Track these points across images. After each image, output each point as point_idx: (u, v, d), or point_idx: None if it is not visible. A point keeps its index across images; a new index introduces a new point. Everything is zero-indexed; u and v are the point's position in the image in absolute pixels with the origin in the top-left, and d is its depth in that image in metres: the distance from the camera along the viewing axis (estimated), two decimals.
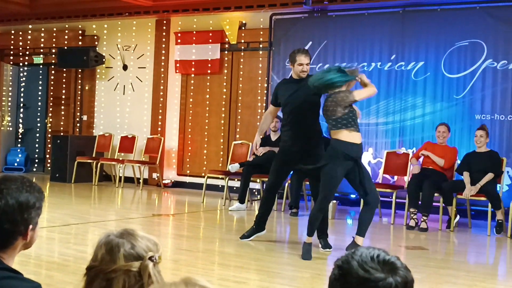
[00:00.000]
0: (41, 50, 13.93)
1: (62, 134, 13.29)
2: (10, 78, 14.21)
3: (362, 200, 6.85)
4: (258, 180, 10.12)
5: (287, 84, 6.79)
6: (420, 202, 8.36)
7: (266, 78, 11.14)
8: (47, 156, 13.82)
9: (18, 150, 14.03)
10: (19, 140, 14.50)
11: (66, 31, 13.46)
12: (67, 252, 5.95)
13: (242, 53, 11.65)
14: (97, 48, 13.06)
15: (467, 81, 9.33)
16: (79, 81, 13.37)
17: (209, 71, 11.87)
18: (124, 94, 12.86)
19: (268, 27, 11.09)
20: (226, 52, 11.77)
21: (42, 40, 13.78)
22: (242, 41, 11.59)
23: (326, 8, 10.58)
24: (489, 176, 8.11)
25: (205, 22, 11.87)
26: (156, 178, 12.16)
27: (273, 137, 9.91)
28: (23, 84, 14.48)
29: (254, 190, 10.63)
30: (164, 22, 12.30)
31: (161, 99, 12.31)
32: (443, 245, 7.63)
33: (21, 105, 14.59)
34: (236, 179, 10.36)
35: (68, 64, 12.96)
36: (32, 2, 13.04)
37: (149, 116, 12.53)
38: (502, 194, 8.30)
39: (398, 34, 9.83)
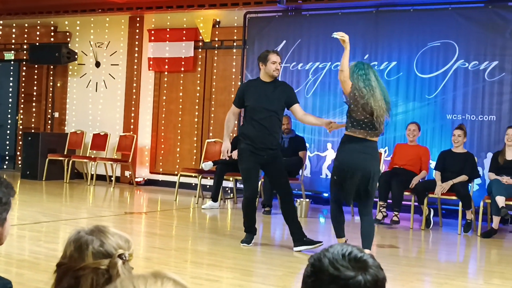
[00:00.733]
0: (12, 46, 13.77)
1: (33, 131, 13.14)
2: None
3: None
4: (231, 179, 10.11)
5: (256, 87, 6.62)
6: (390, 201, 8.44)
7: (240, 77, 11.13)
8: (18, 153, 13.66)
9: None
10: None
11: (38, 27, 13.32)
12: (38, 250, 5.89)
13: (216, 51, 11.63)
14: (69, 45, 12.94)
15: (439, 81, 9.42)
16: (51, 78, 13.23)
17: (182, 69, 11.82)
18: (96, 91, 12.76)
19: (242, 26, 11.08)
20: (200, 50, 11.74)
21: (13, 36, 13.62)
22: (216, 39, 11.57)
23: (300, 7, 10.60)
24: (463, 177, 8.19)
25: (179, 20, 11.82)
26: (129, 176, 12.09)
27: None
28: None
29: (227, 189, 10.62)
30: (138, 19, 12.23)
31: (134, 97, 12.23)
32: (414, 244, 7.70)
33: None
34: (209, 177, 10.35)
35: (40, 60, 12.82)
36: None
37: (121, 114, 12.44)
38: (472, 193, 8.40)
39: (372, 34, 9.89)
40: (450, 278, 5.61)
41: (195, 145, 11.72)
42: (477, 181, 8.74)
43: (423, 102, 9.51)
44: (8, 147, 14.21)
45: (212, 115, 11.62)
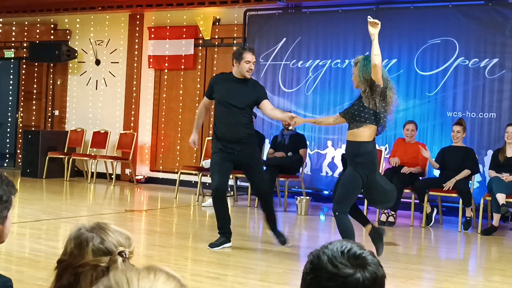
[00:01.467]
0: (12, 44, 13.76)
1: (33, 129, 13.14)
2: None
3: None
4: (231, 176, 10.10)
5: (226, 81, 6.48)
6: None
7: None
8: (18, 151, 13.66)
9: None
10: None
11: (38, 25, 13.31)
12: (38, 248, 5.90)
13: (216, 49, 11.62)
14: (69, 42, 12.93)
15: (439, 78, 9.42)
16: (51, 76, 13.22)
17: (182, 67, 11.82)
18: (96, 89, 12.76)
19: (242, 23, 11.07)
20: (200, 47, 11.73)
21: (13, 33, 13.61)
22: (216, 36, 11.56)
23: (301, 5, 10.60)
24: (466, 172, 8.18)
25: (179, 17, 11.81)
26: (129, 174, 12.09)
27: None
28: None
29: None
30: (138, 16, 12.22)
31: (134, 95, 12.23)
32: (414, 241, 7.70)
33: None
34: (209, 175, 10.33)
35: (40, 58, 12.82)
36: None
37: (122, 112, 12.44)
38: (473, 190, 8.40)
39: None
40: (450, 276, 5.61)
41: None
42: (477, 178, 8.73)
43: (423, 99, 9.51)
44: (8, 145, 14.21)
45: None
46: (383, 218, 8.36)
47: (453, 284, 5.35)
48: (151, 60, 12.10)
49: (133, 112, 12.26)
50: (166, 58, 11.92)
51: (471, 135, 9.02)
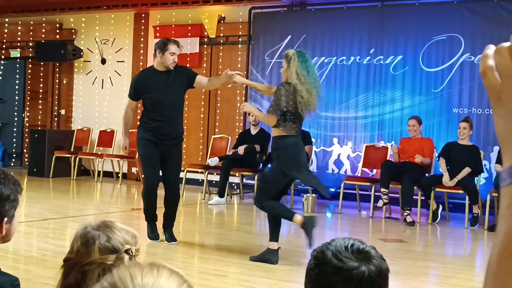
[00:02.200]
0: (18, 44, 13.79)
1: (39, 128, 13.17)
2: None
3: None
4: (237, 174, 10.12)
5: (150, 78, 6.31)
6: (400, 197, 8.41)
7: (245, 72, 11.12)
8: (25, 150, 13.70)
9: None
10: None
11: (44, 24, 13.34)
12: (46, 247, 5.92)
13: (221, 47, 11.63)
14: (75, 42, 12.96)
15: (445, 75, 9.40)
16: (57, 75, 13.25)
17: (188, 65, 11.78)
18: (102, 88, 12.78)
19: (247, 21, 11.07)
20: (205, 46, 11.74)
21: (19, 33, 13.64)
22: (221, 35, 11.57)
23: (305, 2, 10.59)
24: (466, 170, 8.16)
25: (184, 16, 11.82)
26: (136, 173, 12.11)
27: (253, 131, 9.92)
28: (0, 78, 14.33)
29: (233, 184, 10.63)
30: (143, 15, 12.24)
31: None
32: (421, 238, 7.70)
33: None
34: (215, 173, 10.36)
35: (46, 57, 12.84)
36: None
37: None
38: (479, 187, 8.38)
39: (377, 28, 9.87)
40: (457, 272, 5.61)
41: (201, 141, 11.73)
42: (484, 174, 8.72)
43: (429, 96, 9.49)
44: (15, 145, 14.25)
45: (218, 111, 11.62)
46: (380, 204, 8.34)
47: (459, 280, 5.34)
48: None
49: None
50: None
51: (477, 132, 9.00)
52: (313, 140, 9.84)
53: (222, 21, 11.56)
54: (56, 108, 13.22)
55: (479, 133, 9.06)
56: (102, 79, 12.77)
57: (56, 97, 13.19)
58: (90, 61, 12.92)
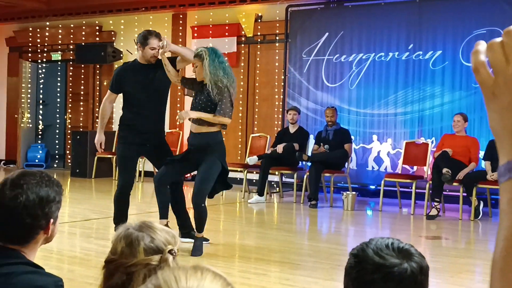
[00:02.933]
0: (59, 47, 14.02)
1: (81, 130, 13.37)
2: (29, 75, 14.32)
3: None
4: (276, 173, 10.13)
5: (133, 70, 6.17)
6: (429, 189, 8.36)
7: (283, 71, 11.14)
8: (67, 152, 13.93)
9: (39, 147, 14.15)
10: (39, 136, 14.62)
11: (84, 27, 13.54)
12: (89, 247, 6.01)
13: (259, 46, 11.65)
14: (114, 44, 13.12)
15: None
16: (97, 77, 13.44)
17: None
18: None
19: (284, 19, 11.07)
20: (242, 45, 11.78)
21: (60, 36, 13.87)
22: (259, 33, 11.59)
23: None
24: None
25: (221, 16, 11.87)
26: None
27: (292, 130, 9.91)
28: (42, 81, 14.59)
29: (273, 183, 10.64)
30: (181, 16, 12.33)
31: (179, 93, 12.34)
32: (463, 235, 7.60)
33: (40, 101, 14.71)
34: (254, 172, 10.38)
35: (86, 60, 13.03)
36: None
37: (167, 110, 12.54)
38: None
39: (415, 23, 9.77)
40: None
41: (240, 140, 11.77)
42: None
43: (470, 91, 9.36)
44: (57, 146, 14.50)
45: (256, 110, 11.65)
46: (434, 212, 8.24)
47: None
48: None
49: (178, 111, 12.36)
50: None
51: None
52: (352, 137, 9.79)
53: (259, 20, 11.58)
54: (97, 109, 13.40)
55: None
56: None
57: (97, 98, 13.38)
58: None
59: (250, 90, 11.71)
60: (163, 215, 5.99)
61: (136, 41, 6.25)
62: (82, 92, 13.82)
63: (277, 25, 11.30)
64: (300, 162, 9.79)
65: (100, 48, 12.69)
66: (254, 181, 10.59)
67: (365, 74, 10.18)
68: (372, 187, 10.05)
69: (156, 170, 6.62)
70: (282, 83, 11.14)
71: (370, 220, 8.57)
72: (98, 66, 13.27)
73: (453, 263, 5.73)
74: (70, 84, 14.14)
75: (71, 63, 13.97)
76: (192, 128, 5.93)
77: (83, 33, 13.54)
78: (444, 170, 8.10)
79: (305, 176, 9.50)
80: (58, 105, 14.76)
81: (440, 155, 8.41)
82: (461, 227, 7.91)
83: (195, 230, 5.94)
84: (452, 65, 9.50)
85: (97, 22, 13.43)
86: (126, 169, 6.16)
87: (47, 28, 13.98)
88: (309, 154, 9.65)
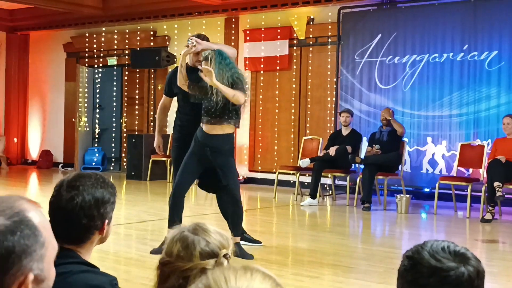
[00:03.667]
0: (115, 52, 14.29)
1: (136, 133, 13.59)
2: (86, 80, 14.63)
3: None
4: (329, 175, 10.09)
5: (187, 73, 6.10)
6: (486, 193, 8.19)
7: (335, 73, 11.09)
8: (123, 155, 14.17)
9: (95, 150, 14.44)
10: (96, 140, 14.91)
11: (138, 32, 13.76)
12: (144, 248, 6.10)
13: (311, 48, 11.64)
14: (168, 48, 13.29)
15: None
16: (152, 81, 13.65)
17: (278, 67, 11.90)
18: None
19: (337, 21, 11.03)
20: (294, 47, 11.79)
21: (115, 41, 14.13)
22: (311, 36, 11.57)
23: (395, 0, 10.45)
24: None
25: (273, 19, 11.91)
26: None
27: (344, 132, 9.87)
28: (98, 85, 14.89)
29: (325, 185, 10.61)
30: (233, 20, 12.41)
31: None
32: None
33: (97, 105, 15.01)
34: (307, 175, 10.37)
35: (141, 64, 13.22)
36: (105, 5, 13.39)
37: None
38: None
39: (470, 23, 9.61)
40: None
41: (292, 142, 11.78)
42: None
43: None
44: (113, 149, 14.76)
45: (309, 112, 11.64)
46: (488, 216, 8.09)
47: None
48: (247, 62, 12.26)
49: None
50: (262, 60, 12.05)
51: None
52: (405, 139, 9.69)
53: (311, 22, 11.57)
54: (152, 113, 13.60)
55: None
56: None
57: (152, 102, 13.58)
58: None
59: (302, 93, 11.71)
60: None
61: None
62: (137, 96, 14.05)
63: (329, 27, 11.27)
64: (353, 164, 9.74)
65: (154, 53, 12.86)
66: (306, 183, 10.57)
67: (419, 76, 10.06)
68: (427, 189, 9.91)
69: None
70: (335, 86, 11.10)
71: (424, 223, 8.46)
72: (152, 70, 13.47)
73: (510, 267, 5.61)
74: (126, 88, 14.39)
75: (126, 67, 14.21)
76: (206, 128, 5.80)
77: (138, 38, 13.76)
78: (496, 185, 7.93)
79: (358, 179, 9.44)
80: (114, 109, 15.02)
81: (493, 162, 8.24)
82: None
83: (232, 233, 5.75)
84: (509, 66, 9.30)
85: (151, 27, 13.63)
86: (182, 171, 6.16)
87: (103, 34, 14.25)
88: (362, 156, 9.59)
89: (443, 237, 7.37)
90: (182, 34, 13.16)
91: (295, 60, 11.80)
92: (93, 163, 14.25)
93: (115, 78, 14.73)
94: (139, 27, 13.73)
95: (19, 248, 1.16)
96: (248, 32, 12.25)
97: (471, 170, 9.37)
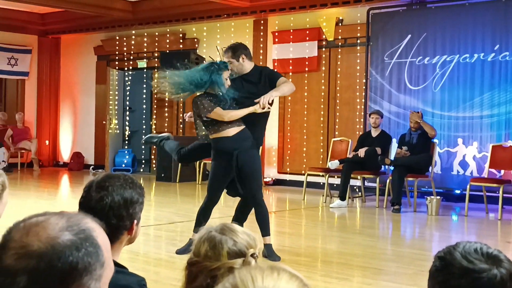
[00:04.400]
0: (144, 54, 14.39)
1: None
2: (116, 82, 14.76)
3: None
4: (358, 177, 10.04)
5: (239, 81, 6.15)
6: None
7: (364, 74, 11.04)
8: (153, 157, 14.27)
9: (126, 152, 14.56)
10: (126, 142, 15.03)
11: (168, 35, 13.84)
12: (174, 249, 6.13)
13: (340, 50, 11.60)
14: (197, 50, 13.35)
15: None
16: None
17: (307, 69, 11.88)
18: None
19: (366, 22, 10.98)
20: (323, 49, 11.75)
21: (145, 44, 14.24)
22: (339, 37, 11.53)
23: (425, 0, 10.37)
24: None
25: (302, 20, 11.89)
26: None
27: (374, 133, 9.82)
28: (128, 88, 15.01)
29: (355, 187, 10.56)
30: (262, 22, 12.42)
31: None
32: None
33: (127, 108, 15.13)
34: (336, 176, 10.33)
35: (170, 67, 13.26)
36: (134, 8, 13.51)
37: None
38: None
39: (501, 23, 9.49)
40: None
41: (321, 144, 11.75)
42: None
43: None
44: (143, 152, 14.87)
45: (338, 114, 11.60)
46: None
47: None
48: (275, 64, 12.26)
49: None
50: (290, 61, 12.04)
51: None
52: (436, 141, 9.60)
53: (340, 24, 11.53)
54: (181, 115, 13.67)
55: None
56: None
57: (181, 104, 13.64)
58: None
59: (331, 94, 11.67)
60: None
61: (240, 54, 6.39)
62: (166, 99, 14.11)
63: (358, 28, 11.22)
64: (382, 166, 9.68)
65: (183, 55, 12.91)
66: (335, 185, 10.54)
67: (449, 76, 9.97)
68: (457, 191, 9.81)
69: None
70: (364, 87, 11.05)
71: (455, 225, 8.37)
72: None
73: None
74: (155, 90, 14.45)
75: (156, 70, 14.30)
76: (231, 132, 5.79)
77: (167, 40, 13.85)
78: None
79: (387, 181, 9.38)
80: (144, 111, 15.14)
81: None
82: None
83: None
84: None
85: (180, 29, 13.71)
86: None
87: (133, 37, 14.37)
88: (392, 158, 9.53)
89: (474, 239, 7.27)
90: (211, 36, 13.22)
91: (324, 62, 11.77)
92: (123, 165, 14.36)
93: (144, 80, 14.84)
94: (168, 30, 13.82)
95: (82, 265, 1.17)
96: (276, 33, 12.25)
97: (502, 171, 9.25)
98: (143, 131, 15.01)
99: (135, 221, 2.18)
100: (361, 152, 9.50)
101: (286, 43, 12.08)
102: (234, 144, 5.74)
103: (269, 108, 5.71)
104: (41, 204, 9.22)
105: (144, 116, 15.14)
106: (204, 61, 12.87)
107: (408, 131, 9.55)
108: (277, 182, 12.25)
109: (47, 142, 15.76)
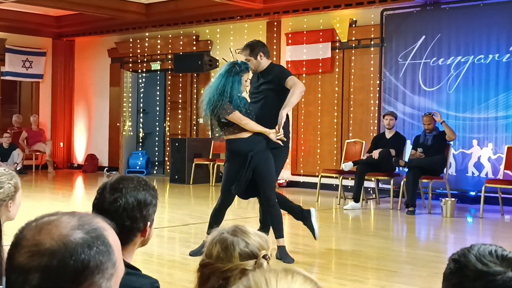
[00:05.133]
0: (158, 57, 14.43)
1: (180, 137, 13.69)
2: (130, 84, 14.81)
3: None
4: (372, 179, 10.01)
5: (255, 76, 6.29)
6: None
7: (378, 75, 11.00)
8: (166, 159, 14.30)
9: (139, 154, 14.59)
10: (140, 144, 15.07)
11: (181, 37, 13.88)
12: (187, 251, 6.13)
13: (353, 51, 11.56)
14: (210, 52, 13.37)
15: None
16: (195, 85, 13.74)
17: (320, 70, 11.86)
18: None
19: (379, 23, 10.94)
20: (337, 50, 11.72)
21: (159, 46, 14.28)
22: (353, 38, 11.51)
23: (439, 1, 10.32)
24: None
25: (315, 22, 11.87)
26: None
27: (388, 135, 9.78)
28: (142, 90, 15.05)
29: (369, 189, 10.52)
30: (275, 23, 12.42)
31: None
32: None
33: (141, 110, 15.18)
34: (350, 178, 10.30)
35: (184, 69, 13.34)
36: (148, 10, 13.55)
37: None
38: None
39: None
40: None
41: (335, 145, 11.72)
42: None
43: None
44: (157, 153, 14.91)
45: (351, 115, 11.56)
46: None
47: None
48: (289, 65, 12.23)
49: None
50: (304, 63, 12.02)
51: None
52: (451, 142, 9.54)
53: (353, 25, 11.50)
54: (194, 117, 13.69)
55: None
56: None
57: (195, 106, 13.66)
58: None
59: (344, 96, 11.64)
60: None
61: (259, 51, 6.36)
62: (180, 101, 14.16)
63: (372, 29, 11.19)
64: (396, 167, 9.63)
65: (197, 57, 12.96)
66: (349, 187, 10.50)
67: (464, 77, 9.91)
68: (472, 193, 9.75)
69: None
70: (378, 88, 11.01)
71: (470, 227, 8.32)
72: (195, 75, 13.57)
73: None
74: (169, 92, 14.52)
75: (169, 72, 14.35)
76: (247, 133, 5.81)
77: (181, 43, 13.88)
78: None
79: (402, 182, 9.34)
80: (158, 113, 15.18)
81: None
82: None
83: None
84: None
85: (194, 31, 13.73)
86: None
87: (147, 39, 14.42)
88: (406, 159, 9.48)
89: (489, 241, 7.24)
90: (224, 38, 13.23)
91: (337, 63, 11.74)
92: (137, 167, 14.40)
93: (158, 82, 14.89)
94: (181, 32, 13.85)
95: (93, 263, 1.17)
96: (290, 35, 12.24)
97: None
98: (157, 133, 15.05)
99: (149, 223, 2.18)
100: (375, 154, 9.47)
101: (299, 45, 12.07)
102: (250, 145, 5.76)
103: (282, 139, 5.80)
104: (56, 206, 9.26)
105: (157, 118, 15.17)
106: (217, 63, 12.90)
107: (422, 133, 9.50)
108: (290, 184, 12.23)
109: (61, 144, 15.84)
